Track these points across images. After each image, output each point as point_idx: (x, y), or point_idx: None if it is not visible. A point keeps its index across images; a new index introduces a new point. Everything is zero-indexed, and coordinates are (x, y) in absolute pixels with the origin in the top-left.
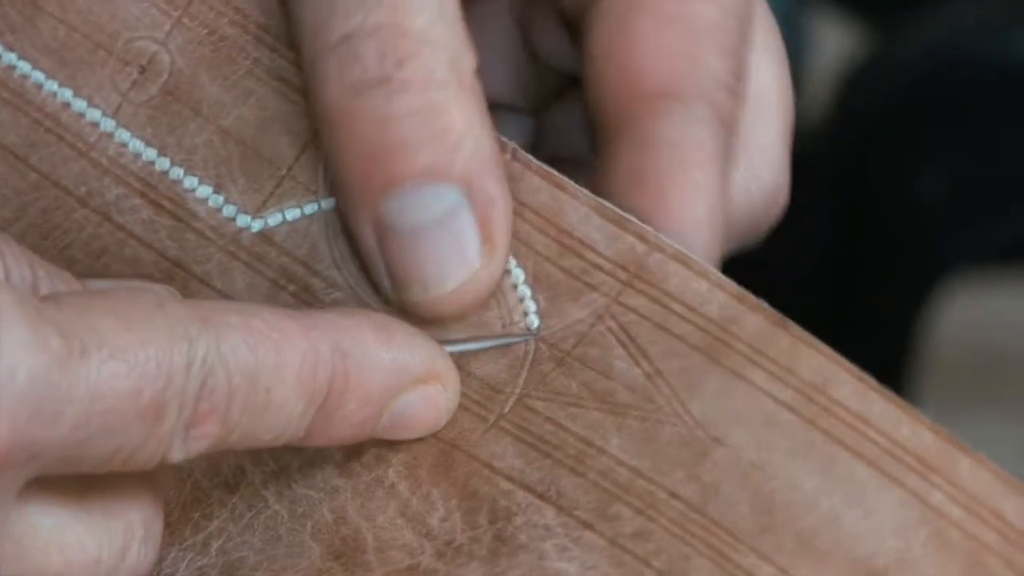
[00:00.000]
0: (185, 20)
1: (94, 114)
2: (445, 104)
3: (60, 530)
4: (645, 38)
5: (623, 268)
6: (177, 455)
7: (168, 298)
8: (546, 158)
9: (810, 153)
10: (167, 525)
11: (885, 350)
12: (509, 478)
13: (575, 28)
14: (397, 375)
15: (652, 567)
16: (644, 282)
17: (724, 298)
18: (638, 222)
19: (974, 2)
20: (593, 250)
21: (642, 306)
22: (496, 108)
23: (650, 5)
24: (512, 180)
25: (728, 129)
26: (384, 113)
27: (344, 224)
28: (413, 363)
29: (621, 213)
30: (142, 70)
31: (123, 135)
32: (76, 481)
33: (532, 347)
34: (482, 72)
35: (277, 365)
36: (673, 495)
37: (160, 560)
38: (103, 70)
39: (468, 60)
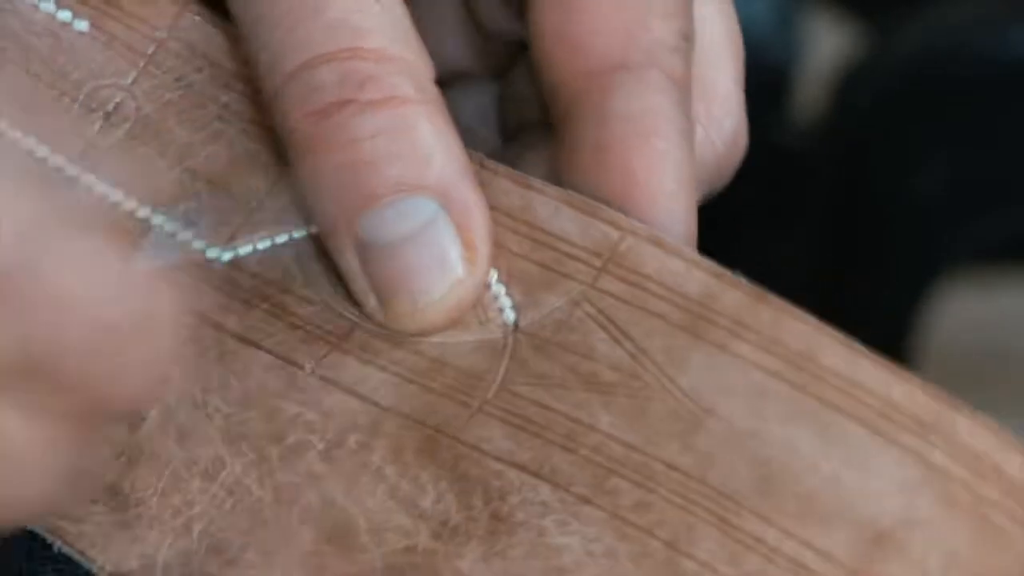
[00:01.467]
0: (151, 68)
1: (57, 160)
2: (411, 119)
3: None
4: (588, 12)
5: (597, 255)
6: None
7: None
8: (512, 126)
9: (806, 151)
10: (146, 514)
11: (882, 349)
12: (499, 459)
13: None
14: None
15: (657, 537)
16: (620, 267)
17: (702, 276)
18: (609, 209)
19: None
20: (566, 241)
21: (620, 290)
22: (455, 77)
23: None
24: (482, 187)
25: (684, 91)
26: (351, 135)
27: (320, 247)
28: None
29: (591, 202)
30: (107, 116)
31: (88, 179)
32: None
33: (511, 338)
34: (437, 74)
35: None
36: (670, 466)
37: (141, 541)
38: (68, 116)
39: (428, 73)
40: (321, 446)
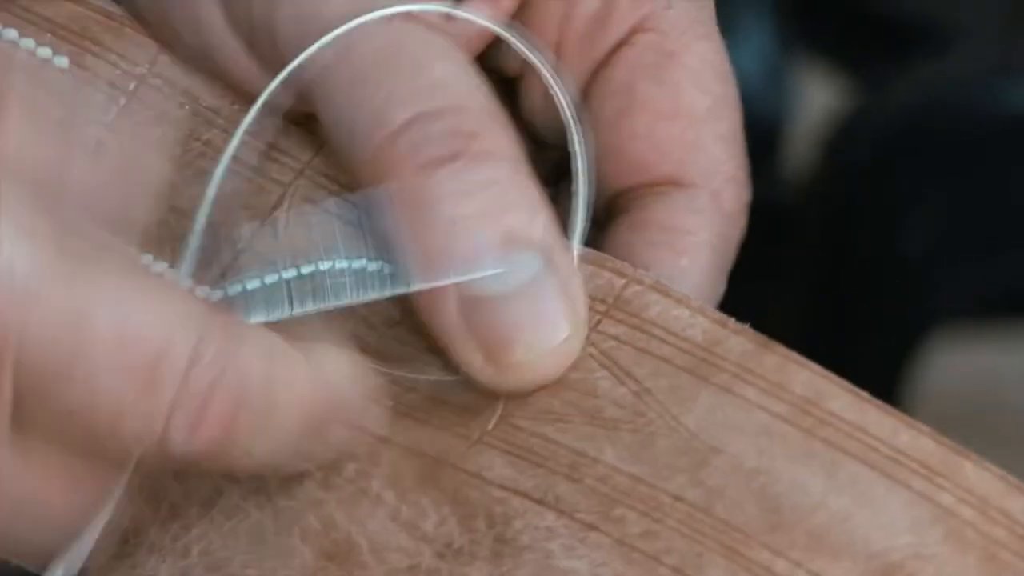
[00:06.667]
0: (133, 105)
1: None
2: (518, 175)
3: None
4: (645, 136)
5: (601, 301)
6: (178, 446)
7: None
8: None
9: (796, 207)
10: (145, 542)
11: None
12: (501, 486)
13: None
14: (359, 409)
15: (665, 564)
16: (623, 312)
17: (706, 323)
18: (616, 260)
19: (961, 54)
20: None
21: (623, 333)
22: None
23: (645, 104)
24: None
25: (728, 218)
26: (461, 187)
27: (310, 286)
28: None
29: (600, 255)
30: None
31: None
32: None
33: None
34: None
35: (288, 387)
36: (677, 498)
37: (140, 567)
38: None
39: (515, 137)
40: (319, 475)
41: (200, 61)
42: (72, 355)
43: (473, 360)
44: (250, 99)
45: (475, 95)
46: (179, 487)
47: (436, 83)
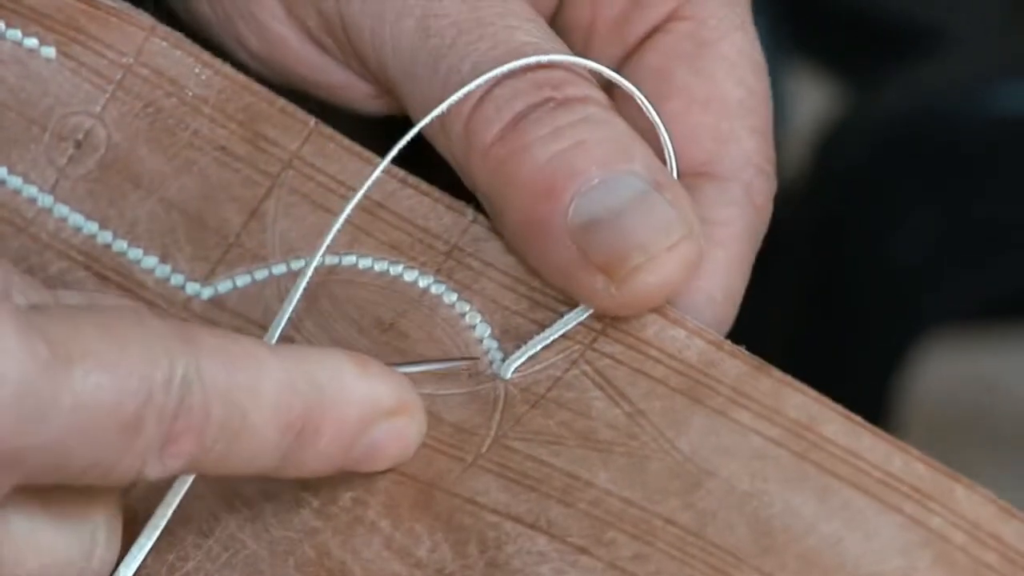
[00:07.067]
0: (119, 94)
1: (30, 190)
2: (607, 113)
3: (35, 533)
4: (678, 123)
5: (598, 319)
6: (153, 471)
7: (147, 314)
8: None
9: (787, 213)
10: (141, 574)
11: (861, 412)
12: (495, 511)
13: None
14: (371, 408)
15: None
16: (620, 331)
17: (702, 345)
18: None
19: (955, 57)
20: (567, 304)
21: (618, 352)
22: None
23: (680, 89)
24: (481, 240)
25: (758, 210)
26: (551, 128)
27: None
28: (385, 395)
29: None
30: (78, 145)
31: (62, 210)
32: (46, 486)
33: (503, 391)
34: None
35: (254, 391)
36: (669, 521)
37: None
38: (38, 147)
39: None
40: (316, 503)
41: (264, 56)
42: (78, 440)
43: (596, 285)
44: (305, 91)
45: (561, 54)
46: (175, 513)
47: (517, 49)
